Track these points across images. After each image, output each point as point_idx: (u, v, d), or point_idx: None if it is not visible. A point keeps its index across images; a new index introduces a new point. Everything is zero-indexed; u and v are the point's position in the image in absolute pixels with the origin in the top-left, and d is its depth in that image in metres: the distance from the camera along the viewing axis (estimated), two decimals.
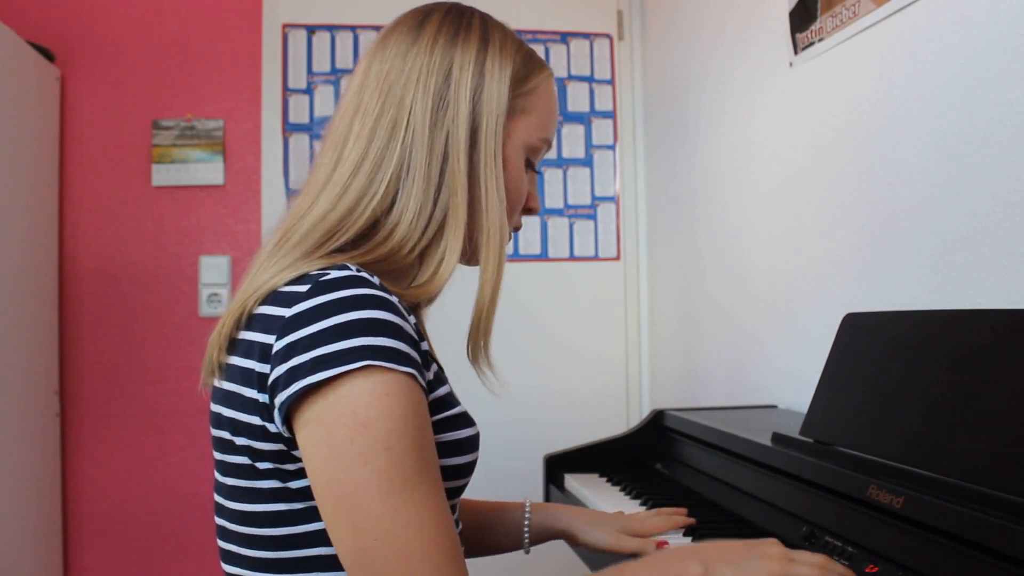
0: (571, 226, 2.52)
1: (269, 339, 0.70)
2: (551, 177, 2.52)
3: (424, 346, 0.75)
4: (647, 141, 2.53)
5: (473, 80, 0.81)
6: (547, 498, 1.49)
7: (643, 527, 1.01)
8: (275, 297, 0.72)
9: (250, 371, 0.71)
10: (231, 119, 2.43)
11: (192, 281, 2.40)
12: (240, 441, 0.73)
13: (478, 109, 0.81)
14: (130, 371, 2.36)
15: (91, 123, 2.37)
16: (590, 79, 2.55)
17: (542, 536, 1.05)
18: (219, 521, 0.78)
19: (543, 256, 2.51)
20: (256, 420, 0.71)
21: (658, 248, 2.45)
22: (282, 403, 0.68)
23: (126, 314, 2.37)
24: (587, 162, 2.54)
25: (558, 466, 1.49)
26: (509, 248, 0.85)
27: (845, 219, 1.44)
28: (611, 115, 2.55)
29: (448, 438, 0.77)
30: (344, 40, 2.45)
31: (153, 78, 2.40)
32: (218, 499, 0.78)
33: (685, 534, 1.03)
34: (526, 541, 1.05)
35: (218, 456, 0.77)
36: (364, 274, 0.71)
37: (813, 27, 1.52)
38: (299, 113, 2.43)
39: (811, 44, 1.54)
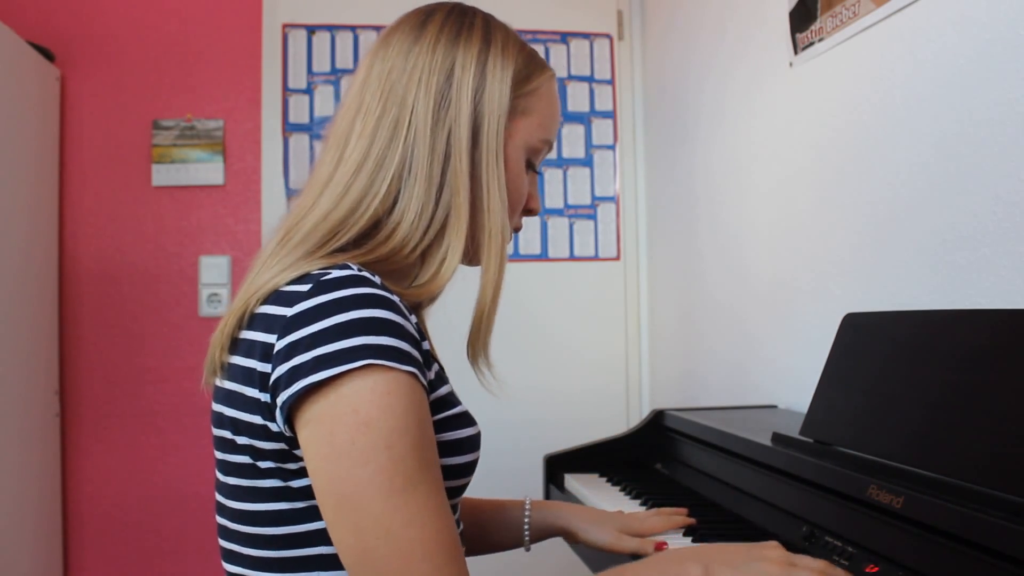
0: (571, 226, 2.52)
1: (270, 338, 0.70)
2: (551, 177, 2.52)
3: (425, 345, 0.75)
4: (647, 141, 2.53)
5: (475, 80, 0.81)
6: (547, 498, 1.49)
7: (643, 526, 1.01)
8: (277, 296, 0.72)
9: (251, 370, 0.72)
10: (231, 119, 2.43)
11: (192, 281, 2.40)
12: (241, 440, 0.73)
13: (480, 109, 0.81)
14: (130, 371, 2.36)
15: (91, 123, 2.37)
16: (590, 79, 2.55)
17: (542, 534, 1.05)
18: (220, 520, 0.78)
19: (543, 256, 2.51)
20: (257, 419, 0.71)
21: (658, 248, 2.45)
22: (283, 402, 0.68)
23: (126, 314, 2.37)
24: (587, 162, 2.54)
25: (558, 466, 1.49)
26: (509, 248, 0.85)
27: (845, 219, 1.44)
28: (611, 115, 2.56)
29: (449, 437, 0.77)
30: (344, 40, 2.45)
31: (153, 78, 2.40)
32: (219, 498, 0.78)
33: (685, 534, 1.03)
34: (526, 539, 1.05)
35: (219, 455, 0.77)
36: (365, 273, 0.71)
37: (813, 27, 1.52)
38: (299, 113, 2.43)
39: (811, 44, 1.54)
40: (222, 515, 0.78)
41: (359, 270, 0.71)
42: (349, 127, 0.81)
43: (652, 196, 2.50)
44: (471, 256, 0.85)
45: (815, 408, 1.06)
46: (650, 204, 2.52)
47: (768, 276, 1.73)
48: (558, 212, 2.52)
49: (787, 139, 1.65)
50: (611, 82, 2.56)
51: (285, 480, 0.72)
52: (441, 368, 0.83)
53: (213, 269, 2.39)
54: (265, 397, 0.70)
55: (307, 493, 0.72)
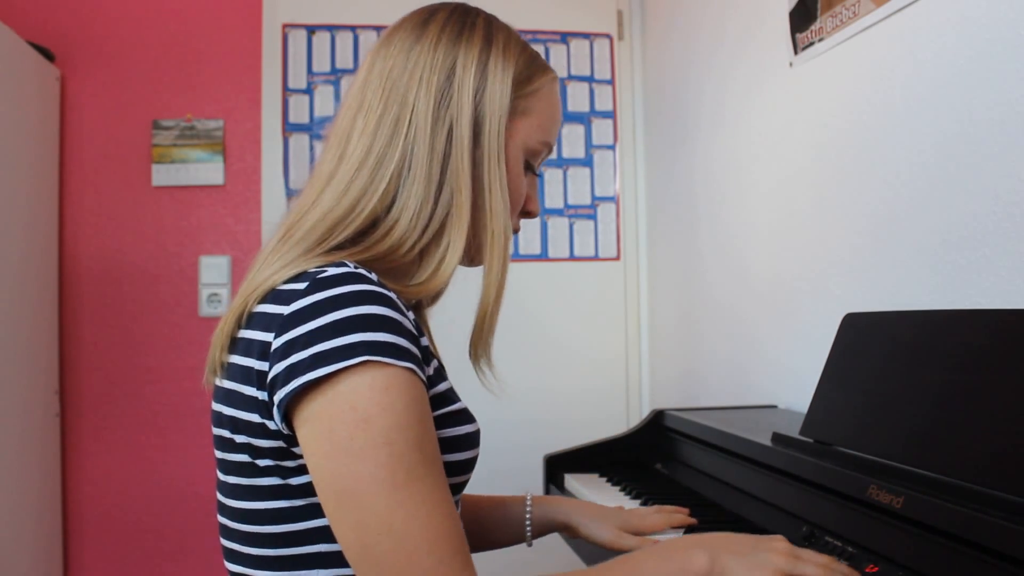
0: (571, 226, 2.53)
1: (268, 337, 0.70)
2: (551, 177, 2.52)
3: (424, 341, 0.75)
4: (647, 141, 2.53)
5: (475, 79, 0.81)
6: None
7: (643, 524, 1.01)
8: (274, 295, 0.73)
9: (249, 369, 0.72)
10: (231, 119, 2.43)
11: (192, 281, 2.40)
12: (240, 439, 0.73)
13: (480, 109, 0.81)
14: (130, 371, 2.36)
15: (91, 123, 2.37)
16: (590, 79, 2.55)
17: (544, 529, 1.06)
18: (221, 519, 0.78)
19: (543, 256, 2.51)
20: (256, 418, 0.71)
21: (658, 248, 2.45)
22: (281, 400, 0.68)
23: (126, 314, 2.37)
24: (587, 162, 2.54)
25: (558, 466, 1.49)
26: (511, 248, 0.85)
27: (845, 219, 1.44)
28: (611, 115, 2.56)
29: (448, 434, 0.77)
30: (344, 40, 2.45)
31: (153, 78, 2.40)
32: (220, 497, 0.78)
33: (685, 534, 1.03)
34: (528, 534, 1.05)
35: (219, 455, 0.77)
36: (361, 270, 0.71)
37: (813, 27, 1.52)
38: (299, 113, 2.43)
39: (811, 44, 1.54)
40: (223, 514, 0.78)
41: (355, 267, 0.72)
42: (350, 125, 0.81)
43: (652, 196, 2.50)
44: (472, 256, 0.85)
45: (815, 408, 1.06)
46: (650, 204, 2.52)
47: (768, 276, 1.73)
48: (558, 212, 2.52)
49: (787, 139, 1.65)
50: (611, 82, 2.56)
51: (284, 478, 0.72)
52: (440, 365, 0.83)
53: (213, 269, 2.39)
54: (263, 395, 0.70)
55: (306, 491, 0.72)
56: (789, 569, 0.72)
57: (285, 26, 2.43)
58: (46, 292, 2.25)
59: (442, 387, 0.78)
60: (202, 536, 2.33)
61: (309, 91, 2.43)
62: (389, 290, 0.71)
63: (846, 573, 0.76)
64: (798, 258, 1.61)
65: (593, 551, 1.06)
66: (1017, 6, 1.06)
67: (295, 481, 0.72)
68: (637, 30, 2.57)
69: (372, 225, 0.79)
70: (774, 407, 1.61)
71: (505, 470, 2.00)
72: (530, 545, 1.07)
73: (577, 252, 2.53)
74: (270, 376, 0.69)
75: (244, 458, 0.73)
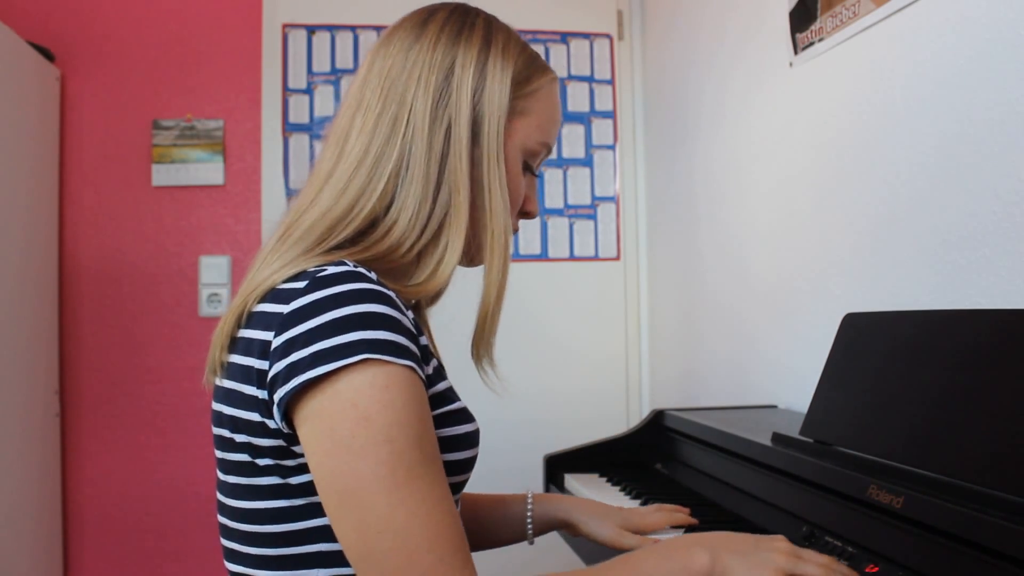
0: (571, 226, 2.52)
1: (268, 336, 0.70)
2: (551, 177, 2.52)
3: (423, 340, 0.75)
4: (647, 141, 2.53)
5: (474, 79, 0.81)
6: None
7: (644, 522, 1.01)
8: (274, 295, 0.73)
9: (249, 368, 0.72)
10: (231, 119, 2.43)
11: (192, 281, 2.40)
12: (240, 438, 0.73)
13: (479, 108, 0.81)
14: (130, 371, 2.36)
15: (91, 123, 2.37)
16: (590, 79, 2.55)
17: (545, 527, 1.06)
18: (221, 519, 0.78)
19: (543, 256, 2.51)
20: (255, 417, 0.71)
21: (658, 248, 2.45)
22: (281, 399, 0.68)
23: (126, 314, 2.37)
24: (587, 162, 2.54)
25: (558, 466, 1.49)
26: (511, 248, 0.85)
27: (845, 219, 1.44)
28: (611, 115, 2.56)
29: (447, 433, 0.77)
30: (344, 40, 2.45)
31: (153, 78, 2.40)
32: (220, 497, 0.78)
33: (685, 533, 1.02)
34: (530, 532, 1.05)
35: (219, 454, 0.77)
36: (361, 269, 0.72)
37: (813, 27, 1.52)
38: (299, 113, 2.43)
39: (811, 44, 1.54)
40: (223, 514, 0.78)
41: (355, 266, 0.72)
42: (349, 123, 0.82)
43: (652, 196, 2.50)
44: (472, 256, 0.85)
45: (815, 408, 1.06)
46: (650, 204, 2.52)
47: (768, 276, 1.73)
48: (558, 212, 2.52)
49: (787, 139, 1.65)
50: (611, 82, 2.56)
51: (284, 477, 0.72)
52: (440, 364, 0.83)
53: (213, 269, 2.39)
54: (263, 394, 0.70)
55: (306, 490, 0.72)
56: (790, 568, 0.72)
57: (285, 26, 2.43)
58: (46, 292, 2.25)
59: (441, 386, 0.78)
60: (202, 536, 2.33)
61: (309, 91, 2.44)
62: (388, 289, 0.72)
63: (846, 573, 0.76)
64: (798, 258, 1.61)
65: (593, 550, 1.06)
66: (1017, 6, 1.06)
67: (295, 480, 0.72)
68: (637, 30, 2.57)
69: (371, 225, 0.79)
70: (774, 407, 1.61)
71: (505, 470, 2.00)
72: (531, 543, 1.07)
73: (577, 252, 2.53)
74: (270, 375, 0.69)
75: (244, 457, 0.73)
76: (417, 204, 0.79)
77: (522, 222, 0.92)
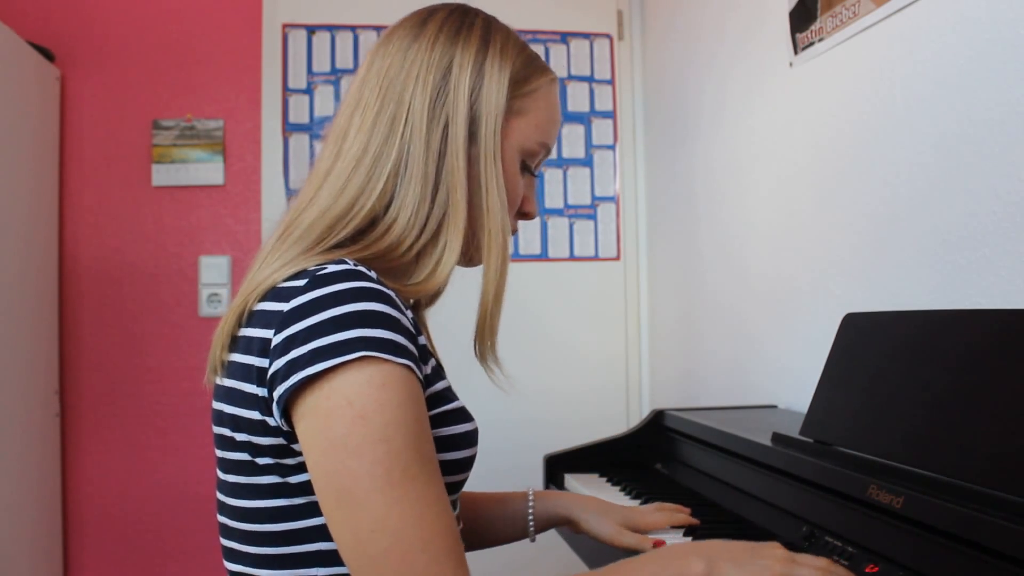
0: (571, 226, 2.52)
1: (268, 333, 0.70)
2: (551, 177, 2.52)
3: (422, 340, 0.75)
4: (647, 141, 2.53)
5: (472, 78, 0.81)
6: None
7: (644, 521, 1.01)
8: (275, 293, 0.73)
9: (249, 367, 0.72)
10: (231, 119, 2.43)
11: (192, 281, 2.40)
12: (240, 437, 0.73)
13: (476, 108, 0.81)
14: (130, 371, 2.36)
15: (91, 123, 2.37)
16: (590, 79, 2.55)
17: (546, 524, 1.06)
18: (221, 519, 0.79)
19: (543, 256, 2.51)
20: (256, 415, 0.71)
21: (658, 248, 2.45)
22: (280, 396, 0.68)
23: (126, 314, 2.37)
24: (587, 162, 2.54)
25: (558, 466, 1.49)
26: (510, 248, 0.85)
27: (845, 219, 1.44)
28: (611, 115, 2.56)
29: (446, 432, 0.77)
30: (344, 40, 2.45)
31: (153, 78, 2.40)
32: (220, 497, 0.78)
33: (685, 534, 1.03)
34: (531, 530, 1.05)
35: (219, 453, 0.77)
36: (361, 268, 0.72)
37: (813, 27, 1.52)
38: (299, 113, 2.43)
39: (811, 44, 1.54)
40: (223, 513, 0.78)
41: (355, 265, 0.72)
42: (348, 122, 0.82)
43: (652, 196, 2.50)
44: (471, 256, 0.85)
45: (815, 408, 1.06)
46: (650, 204, 2.52)
47: (768, 276, 1.73)
48: (558, 212, 2.52)
49: (787, 139, 1.65)
50: (611, 82, 2.56)
51: (284, 476, 0.72)
52: (439, 364, 0.83)
53: (213, 269, 2.39)
54: (263, 392, 0.71)
55: (305, 489, 0.72)
56: (787, 574, 0.72)
57: (285, 26, 2.43)
58: (46, 292, 2.25)
59: (440, 386, 0.78)
60: (202, 536, 2.33)
61: (309, 91, 2.44)
62: (388, 288, 0.72)
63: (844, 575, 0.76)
64: (798, 258, 1.61)
65: (592, 549, 1.06)
66: (1017, 6, 1.06)
67: (295, 479, 0.72)
68: (637, 30, 2.57)
69: (371, 224, 0.79)
70: (774, 407, 1.61)
71: (505, 470, 2.00)
72: (533, 540, 1.07)
73: (577, 252, 2.53)
74: (270, 372, 0.69)
75: (244, 456, 0.74)
76: (416, 203, 0.79)
77: (522, 222, 0.92)
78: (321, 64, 2.44)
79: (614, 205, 2.55)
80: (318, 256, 0.75)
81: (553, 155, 2.51)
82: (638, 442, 1.51)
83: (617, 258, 2.55)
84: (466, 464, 0.80)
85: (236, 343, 0.75)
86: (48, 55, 2.27)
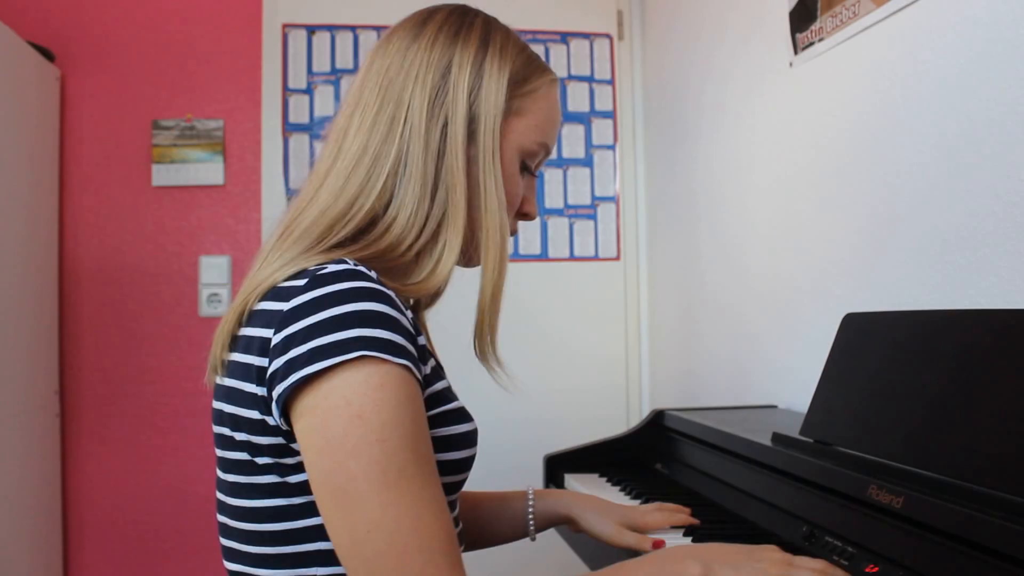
0: (571, 226, 2.52)
1: (268, 333, 0.71)
2: (551, 177, 2.52)
3: (421, 340, 0.75)
4: (647, 141, 2.53)
5: (471, 78, 0.81)
6: None
7: (644, 521, 1.01)
8: (275, 293, 0.73)
9: (249, 366, 0.72)
10: (231, 119, 2.43)
11: (192, 281, 2.40)
12: (240, 436, 0.73)
13: (475, 107, 0.81)
14: (130, 371, 2.36)
15: (91, 123, 2.37)
16: (590, 79, 2.55)
17: (546, 522, 1.06)
18: (220, 518, 0.79)
19: (543, 256, 2.51)
20: (255, 414, 0.72)
21: (658, 248, 2.45)
22: (279, 395, 0.68)
23: (126, 314, 2.37)
24: (587, 162, 2.54)
25: (558, 466, 1.49)
26: (509, 248, 0.86)
27: (845, 219, 1.44)
28: (611, 115, 2.56)
29: (445, 432, 0.77)
30: (344, 40, 2.45)
31: (153, 78, 2.40)
32: (220, 496, 0.79)
33: (685, 534, 1.03)
34: (531, 529, 1.05)
35: (219, 453, 0.77)
36: (361, 268, 0.72)
37: (813, 27, 1.52)
38: (299, 113, 2.43)
39: (811, 44, 1.54)
40: (223, 513, 0.78)
41: (355, 265, 0.72)
42: (347, 122, 0.82)
43: (652, 196, 2.50)
44: (471, 256, 0.85)
45: (815, 408, 1.06)
46: (650, 204, 2.52)
47: (768, 276, 1.73)
48: (558, 212, 2.52)
49: (787, 139, 1.65)
50: (611, 82, 2.56)
51: (283, 476, 0.72)
52: (438, 364, 0.83)
53: (213, 269, 2.39)
54: (262, 391, 0.71)
55: (305, 488, 0.72)
56: None
57: (285, 26, 2.43)
58: (46, 292, 2.25)
59: (439, 386, 0.78)
60: (202, 536, 2.33)
61: (309, 91, 2.44)
62: (388, 288, 0.72)
63: None
64: (798, 258, 1.61)
65: (592, 549, 1.06)
66: (1017, 6, 1.06)
67: (294, 479, 0.72)
68: (637, 30, 2.57)
69: (370, 223, 0.79)
70: (774, 407, 1.61)
71: (505, 470, 2.00)
72: (533, 539, 1.07)
73: (577, 252, 2.53)
74: (270, 371, 0.70)
75: (244, 456, 0.74)
76: (415, 202, 0.79)
77: (522, 222, 0.92)
78: (321, 64, 2.44)
79: (614, 205, 2.55)
80: (318, 256, 0.75)
81: (553, 155, 2.51)
82: (638, 442, 1.51)
83: (617, 258, 2.55)
84: (466, 464, 0.80)
85: (236, 342, 0.75)
86: (48, 55, 2.27)
